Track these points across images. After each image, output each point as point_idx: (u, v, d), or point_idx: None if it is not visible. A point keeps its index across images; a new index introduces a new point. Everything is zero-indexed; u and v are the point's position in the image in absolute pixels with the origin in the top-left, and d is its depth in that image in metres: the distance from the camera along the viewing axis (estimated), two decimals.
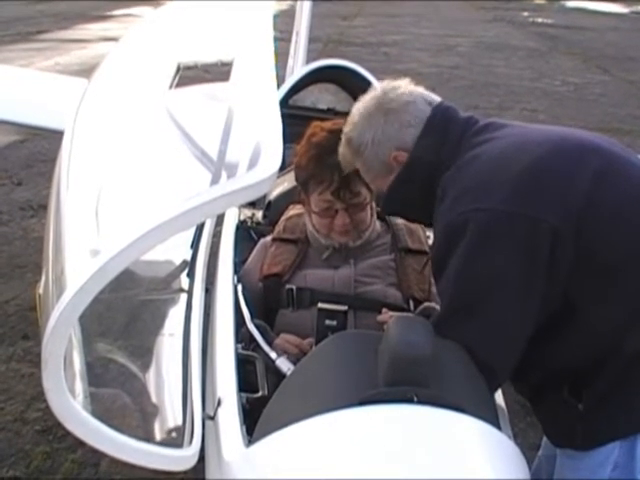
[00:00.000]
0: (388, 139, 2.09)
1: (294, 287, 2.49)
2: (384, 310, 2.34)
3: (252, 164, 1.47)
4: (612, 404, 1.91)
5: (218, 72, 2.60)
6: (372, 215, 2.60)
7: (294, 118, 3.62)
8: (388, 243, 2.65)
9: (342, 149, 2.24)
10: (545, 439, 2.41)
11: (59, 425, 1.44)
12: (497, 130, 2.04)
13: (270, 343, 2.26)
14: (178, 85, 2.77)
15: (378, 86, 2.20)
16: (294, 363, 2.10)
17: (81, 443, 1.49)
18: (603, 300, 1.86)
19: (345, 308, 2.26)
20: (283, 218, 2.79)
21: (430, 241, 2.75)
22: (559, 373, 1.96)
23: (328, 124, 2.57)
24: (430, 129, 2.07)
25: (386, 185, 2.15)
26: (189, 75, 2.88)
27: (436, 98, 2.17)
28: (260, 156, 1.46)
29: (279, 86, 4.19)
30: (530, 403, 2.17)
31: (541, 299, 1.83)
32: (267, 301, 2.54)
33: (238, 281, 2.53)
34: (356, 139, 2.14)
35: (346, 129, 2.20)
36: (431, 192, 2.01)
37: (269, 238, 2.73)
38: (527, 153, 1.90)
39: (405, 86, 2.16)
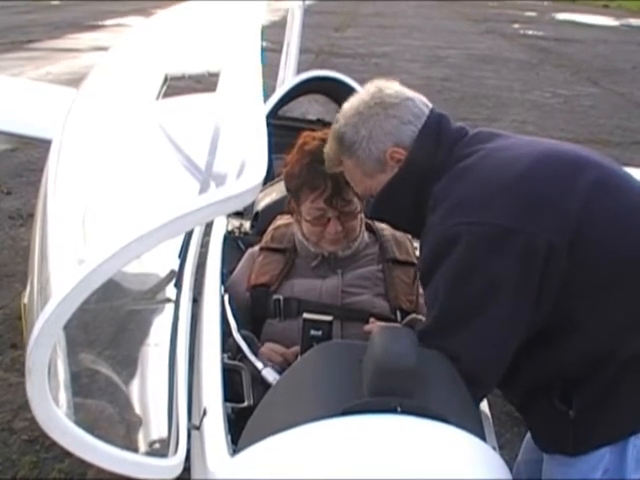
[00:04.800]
0: (386, 135, 2.03)
1: (281, 297, 2.49)
2: (371, 320, 2.35)
3: (238, 174, 1.48)
4: (603, 409, 1.92)
5: (208, 82, 2.61)
6: (361, 225, 2.60)
7: (284, 129, 3.63)
8: (376, 253, 2.65)
9: (330, 146, 2.16)
10: (524, 444, 2.41)
11: (46, 435, 1.44)
12: (487, 141, 2.02)
13: (256, 353, 2.26)
14: (166, 95, 2.78)
15: (370, 84, 2.13)
16: (280, 373, 2.10)
17: (68, 453, 1.49)
18: (597, 310, 1.87)
19: (330, 318, 2.26)
20: (271, 228, 2.79)
21: (418, 252, 2.75)
22: (550, 380, 1.97)
23: (319, 133, 2.56)
24: (427, 131, 2.03)
25: (374, 186, 2.09)
26: (178, 85, 2.89)
27: (429, 103, 2.13)
28: (245, 166, 1.47)
29: (269, 97, 4.21)
30: (519, 410, 2.18)
31: (531, 312, 1.84)
32: (254, 311, 2.54)
33: (225, 291, 2.53)
34: (350, 135, 2.06)
35: (337, 125, 2.12)
36: (421, 200, 1.99)
37: (257, 248, 2.73)
38: (521, 166, 1.89)
39: (399, 86, 2.12)
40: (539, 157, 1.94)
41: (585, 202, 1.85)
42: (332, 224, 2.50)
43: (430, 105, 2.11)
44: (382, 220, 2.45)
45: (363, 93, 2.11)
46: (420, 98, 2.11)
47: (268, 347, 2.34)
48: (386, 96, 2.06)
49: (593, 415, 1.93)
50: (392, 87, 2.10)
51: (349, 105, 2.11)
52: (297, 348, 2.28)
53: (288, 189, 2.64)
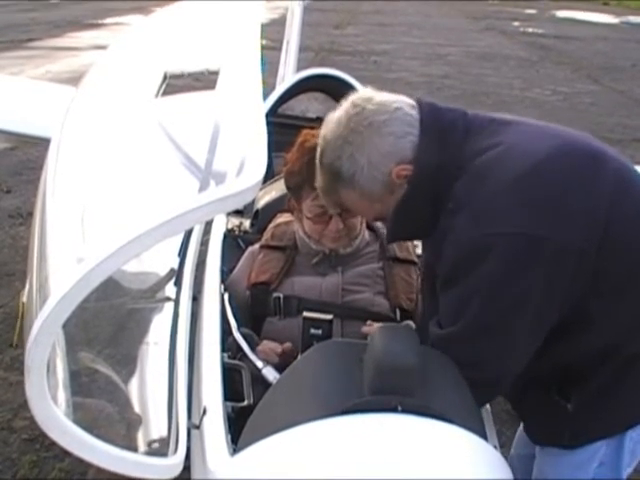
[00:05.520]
0: (386, 156, 1.88)
1: (281, 295, 2.48)
2: (368, 322, 2.35)
3: (238, 172, 1.47)
4: (602, 403, 1.92)
5: (207, 80, 2.60)
6: (362, 222, 2.59)
7: (283, 127, 3.62)
8: (376, 251, 2.65)
9: (325, 180, 2.02)
10: (517, 437, 2.40)
11: (46, 434, 1.43)
12: (501, 132, 1.91)
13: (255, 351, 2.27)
14: (165, 93, 2.78)
15: (348, 102, 1.96)
16: (280, 372, 2.10)
17: (68, 452, 1.48)
18: (611, 308, 1.86)
19: (330, 317, 2.26)
20: (271, 225, 2.78)
21: (418, 250, 2.73)
22: (550, 374, 1.96)
23: (319, 131, 2.54)
24: (427, 135, 1.89)
25: (385, 209, 1.98)
26: (177, 83, 2.88)
27: (412, 100, 1.98)
28: (245, 164, 1.46)
29: (269, 94, 4.20)
30: (513, 402, 2.16)
31: (554, 319, 1.83)
32: (254, 309, 2.53)
33: (225, 290, 2.53)
34: (347, 167, 1.91)
35: (327, 159, 1.96)
36: (440, 203, 1.88)
37: (257, 246, 2.73)
38: (545, 167, 1.80)
39: (378, 94, 1.96)
40: (559, 154, 1.85)
41: (611, 199, 1.81)
42: (334, 222, 2.48)
43: (413, 102, 1.96)
44: (404, 238, 2.34)
45: (343, 116, 1.94)
46: (405, 101, 1.96)
47: (266, 346, 2.33)
48: (372, 114, 1.90)
49: (592, 409, 1.93)
50: (373, 100, 1.93)
51: (333, 133, 1.95)
52: (290, 344, 2.30)
53: (288, 187, 2.62)
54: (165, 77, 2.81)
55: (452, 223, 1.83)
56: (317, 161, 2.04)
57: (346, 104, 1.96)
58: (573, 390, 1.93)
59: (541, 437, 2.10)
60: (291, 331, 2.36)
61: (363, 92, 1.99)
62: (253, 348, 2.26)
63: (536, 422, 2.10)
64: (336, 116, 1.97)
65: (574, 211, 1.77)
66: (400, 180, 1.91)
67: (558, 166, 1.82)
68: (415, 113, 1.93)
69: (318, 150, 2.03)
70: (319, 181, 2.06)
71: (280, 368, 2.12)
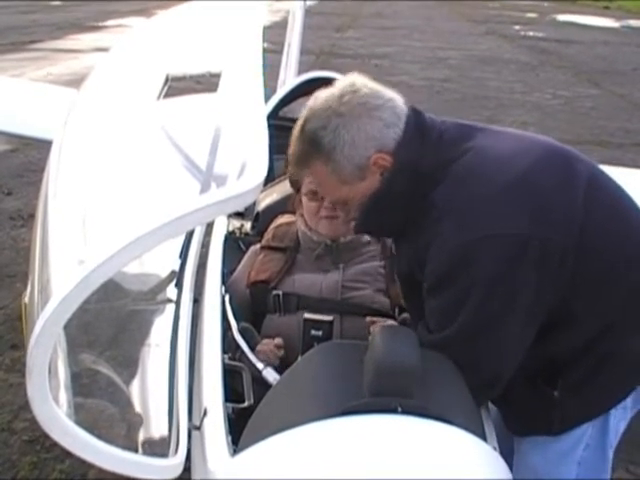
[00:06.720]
0: (370, 140, 1.88)
1: (281, 293, 2.50)
2: (368, 319, 2.37)
3: (239, 174, 1.48)
4: (588, 388, 1.95)
5: (209, 83, 2.61)
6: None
7: (284, 130, 3.62)
8: (378, 250, 2.67)
9: (300, 148, 1.97)
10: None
11: (46, 435, 1.43)
12: (473, 137, 1.95)
13: (254, 347, 2.29)
14: (167, 96, 2.78)
15: (344, 81, 1.97)
16: (280, 373, 2.10)
17: (68, 453, 1.49)
18: (595, 301, 1.90)
19: (330, 318, 2.27)
20: (272, 226, 2.81)
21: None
22: (536, 366, 1.97)
23: None
24: (410, 132, 1.91)
25: (351, 195, 1.95)
26: (179, 86, 2.89)
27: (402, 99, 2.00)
28: (246, 166, 1.47)
29: (270, 97, 4.21)
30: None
31: (543, 316, 1.86)
32: (254, 307, 2.56)
33: (226, 291, 2.54)
34: (329, 139, 1.88)
35: (309, 126, 1.93)
36: (413, 207, 1.91)
37: (259, 246, 2.75)
38: (523, 166, 1.86)
39: (375, 84, 1.98)
40: (537, 155, 1.93)
41: (585, 197, 1.87)
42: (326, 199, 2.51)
43: (404, 101, 1.98)
44: (370, 230, 2.30)
45: (337, 91, 1.94)
46: (398, 97, 1.97)
47: (266, 347, 2.34)
48: (367, 96, 1.91)
49: (579, 392, 1.95)
50: (370, 85, 1.95)
51: (323, 103, 1.94)
52: (280, 340, 2.33)
53: (290, 178, 2.70)
54: (167, 80, 2.81)
55: (437, 230, 1.84)
56: (297, 129, 1.99)
57: (342, 82, 1.97)
58: (559, 378, 1.95)
59: (525, 428, 2.09)
60: (290, 327, 2.39)
61: (361, 77, 1.98)
62: (253, 346, 2.27)
63: (520, 413, 2.08)
64: (329, 91, 1.97)
65: (556, 208, 1.83)
66: (375, 168, 1.90)
67: (539, 166, 1.89)
68: (404, 108, 1.95)
69: (300, 120, 2.00)
70: (293, 149, 2.01)
71: (280, 369, 2.13)
